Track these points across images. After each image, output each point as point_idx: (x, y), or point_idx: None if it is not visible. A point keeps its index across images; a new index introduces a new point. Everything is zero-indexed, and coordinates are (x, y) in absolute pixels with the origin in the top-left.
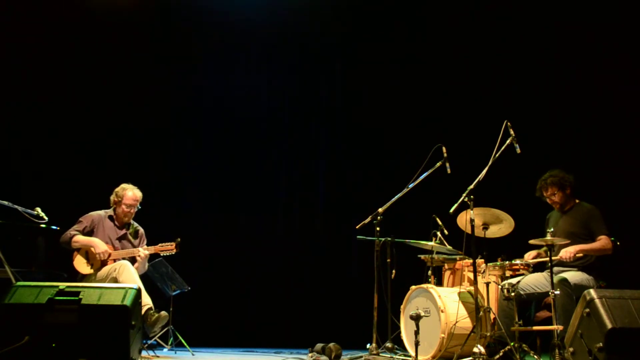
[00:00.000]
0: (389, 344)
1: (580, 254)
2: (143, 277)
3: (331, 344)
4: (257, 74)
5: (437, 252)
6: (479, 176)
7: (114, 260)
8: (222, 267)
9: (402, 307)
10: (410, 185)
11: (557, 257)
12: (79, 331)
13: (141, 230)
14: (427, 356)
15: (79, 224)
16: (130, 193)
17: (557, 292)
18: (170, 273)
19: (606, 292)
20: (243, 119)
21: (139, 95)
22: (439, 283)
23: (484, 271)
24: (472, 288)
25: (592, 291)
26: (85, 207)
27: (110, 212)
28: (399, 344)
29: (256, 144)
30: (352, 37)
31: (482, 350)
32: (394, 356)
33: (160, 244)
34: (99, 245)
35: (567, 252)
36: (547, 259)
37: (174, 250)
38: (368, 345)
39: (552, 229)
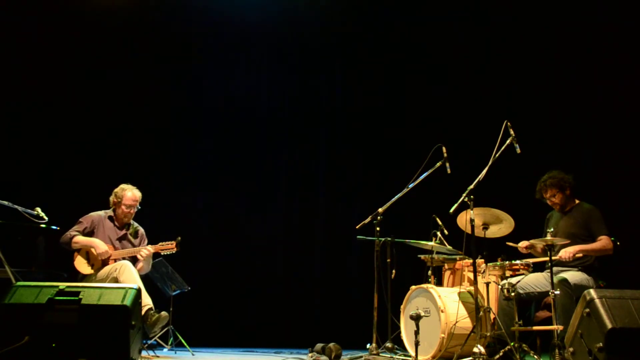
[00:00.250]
0: (389, 344)
1: (580, 254)
2: (143, 277)
3: (331, 344)
4: (257, 74)
5: (437, 252)
6: (479, 176)
7: (115, 260)
8: (222, 267)
9: (402, 307)
10: (410, 185)
11: (557, 257)
12: (79, 331)
13: (141, 230)
14: (427, 356)
15: (79, 224)
16: (129, 193)
17: (557, 292)
18: (170, 273)
19: (606, 292)
20: (243, 119)
21: (139, 95)
22: (439, 283)
23: (484, 271)
24: (472, 288)
25: (592, 291)
26: (85, 207)
27: (110, 212)
28: (399, 344)
29: (256, 144)
30: (352, 37)
31: (482, 350)
32: (394, 356)
33: (160, 243)
34: (99, 245)
35: (566, 252)
36: (546, 258)
37: (174, 249)
38: (368, 345)
39: (552, 229)
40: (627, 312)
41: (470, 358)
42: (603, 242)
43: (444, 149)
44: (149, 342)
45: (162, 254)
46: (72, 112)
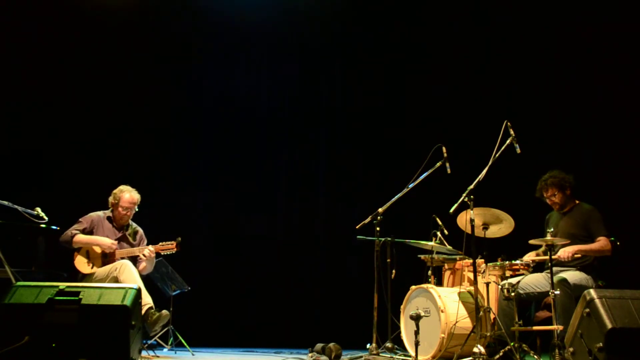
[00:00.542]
0: (389, 344)
1: (579, 254)
2: (143, 277)
3: (331, 344)
4: (257, 74)
5: (437, 252)
6: (479, 176)
7: (115, 260)
8: (222, 267)
9: (402, 307)
10: (410, 185)
11: (556, 257)
12: (79, 331)
13: (140, 230)
14: (427, 356)
15: (79, 224)
16: (127, 196)
17: (557, 292)
18: (170, 273)
19: (606, 292)
20: (243, 119)
21: (139, 95)
22: (439, 283)
23: (484, 271)
24: (472, 288)
25: (592, 291)
26: (85, 207)
27: (108, 213)
28: (399, 344)
29: (256, 144)
30: (352, 37)
31: (482, 350)
32: (394, 356)
33: (160, 243)
34: (103, 240)
35: (565, 252)
36: (546, 258)
37: (175, 249)
38: (368, 345)
39: (552, 229)
40: (627, 312)
41: (470, 358)
42: (602, 242)
43: (444, 149)
44: (149, 342)
45: (162, 254)
46: (72, 112)
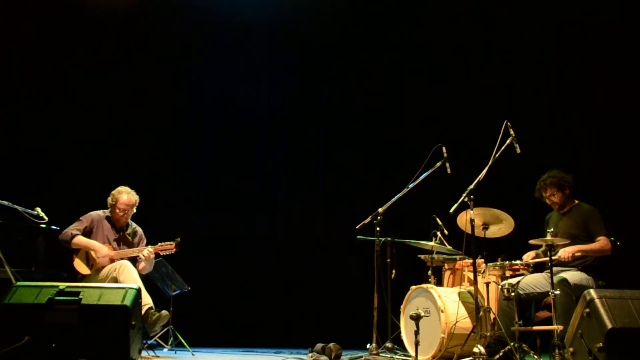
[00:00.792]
0: (389, 344)
1: (579, 254)
2: (143, 277)
3: (331, 344)
4: (257, 74)
5: (437, 252)
6: (479, 176)
7: (114, 261)
8: (222, 267)
9: (402, 307)
10: (410, 185)
11: (556, 257)
12: (79, 331)
13: (139, 230)
14: (427, 356)
15: (79, 222)
16: (124, 197)
17: (557, 292)
18: (170, 273)
19: (606, 292)
20: (243, 119)
21: (139, 95)
22: (439, 283)
23: (484, 271)
24: (472, 288)
25: (592, 291)
26: (85, 207)
27: (108, 212)
28: (399, 344)
29: (256, 144)
30: (352, 37)
31: (482, 350)
32: (394, 356)
33: (160, 244)
34: (100, 250)
35: (565, 252)
36: (547, 259)
37: (174, 250)
38: (368, 345)
39: (552, 230)
40: (627, 312)
41: (470, 358)
42: (602, 242)
43: (444, 149)
44: (149, 342)
45: (161, 254)
46: (72, 112)
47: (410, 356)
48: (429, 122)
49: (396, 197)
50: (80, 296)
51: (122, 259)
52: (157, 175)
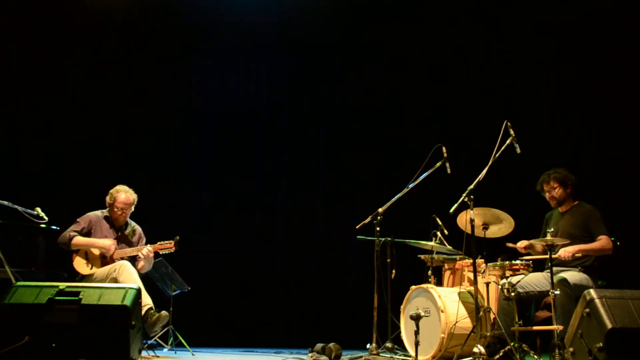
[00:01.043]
0: (389, 344)
1: (579, 254)
2: (143, 277)
3: (331, 344)
4: (257, 74)
5: (437, 252)
6: (479, 176)
7: (114, 260)
8: (222, 267)
9: (402, 307)
10: (410, 185)
11: (556, 256)
12: (79, 331)
13: (139, 229)
14: (427, 356)
15: (76, 224)
16: (122, 196)
17: (557, 292)
18: (170, 273)
19: (606, 292)
20: (243, 119)
21: (139, 95)
22: (439, 283)
23: (484, 271)
24: (472, 288)
25: (592, 291)
26: (84, 207)
27: (106, 212)
28: (399, 344)
29: (256, 144)
30: (352, 37)
31: (482, 350)
32: (394, 356)
33: (159, 243)
34: (101, 243)
35: (565, 252)
36: (545, 257)
37: (173, 248)
38: (368, 345)
39: (552, 229)
40: (627, 312)
41: (470, 358)
42: (602, 242)
43: (444, 149)
44: (149, 342)
45: (161, 253)
46: (72, 112)
47: (410, 356)
48: (429, 122)
49: (396, 197)
50: (80, 296)
51: (122, 258)
52: (157, 175)
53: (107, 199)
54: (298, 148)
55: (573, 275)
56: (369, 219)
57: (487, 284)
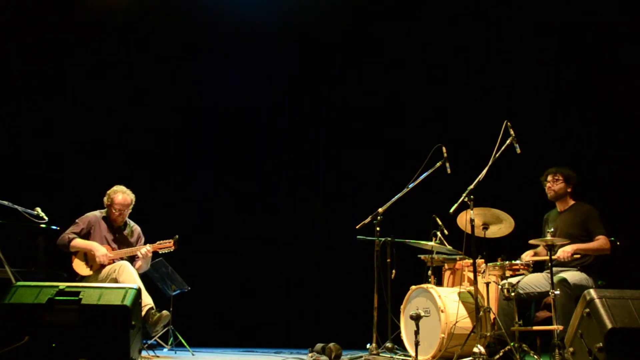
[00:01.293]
0: (389, 344)
1: (578, 254)
2: (143, 277)
3: (331, 344)
4: (257, 74)
5: (437, 252)
6: (479, 176)
7: (114, 261)
8: (222, 267)
9: (402, 307)
10: (410, 185)
11: (555, 257)
12: (79, 331)
13: (137, 229)
14: (427, 356)
15: (75, 225)
16: (119, 197)
17: (557, 292)
18: (170, 273)
19: (606, 292)
20: (243, 119)
21: (139, 95)
22: (439, 283)
23: (484, 271)
24: (472, 288)
25: (592, 291)
26: (84, 207)
27: (104, 213)
28: (399, 344)
29: (256, 144)
30: (352, 37)
31: (482, 350)
32: (394, 356)
33: (158, 242)
34: (98, 249)
35: (564, 252)
36: (546, 257)
37: (172, 247)
38: (368, 345)
39: (552, 229)
40: (627, 312)
41: (470, 358)
42: (601, 241)
43: (444, 149)
44: (149, 342)
45: (160, 252)
46: (72, 112)
47: (410, 356)
48: (429, 122)
49: (396, 197)
50: (80, 296)
51: (121, 258)
52: (156, 175)
53: (105, 200)
54: (298, 148)
55: (573, 275)
56: (369, 219)
57: (487, 284)
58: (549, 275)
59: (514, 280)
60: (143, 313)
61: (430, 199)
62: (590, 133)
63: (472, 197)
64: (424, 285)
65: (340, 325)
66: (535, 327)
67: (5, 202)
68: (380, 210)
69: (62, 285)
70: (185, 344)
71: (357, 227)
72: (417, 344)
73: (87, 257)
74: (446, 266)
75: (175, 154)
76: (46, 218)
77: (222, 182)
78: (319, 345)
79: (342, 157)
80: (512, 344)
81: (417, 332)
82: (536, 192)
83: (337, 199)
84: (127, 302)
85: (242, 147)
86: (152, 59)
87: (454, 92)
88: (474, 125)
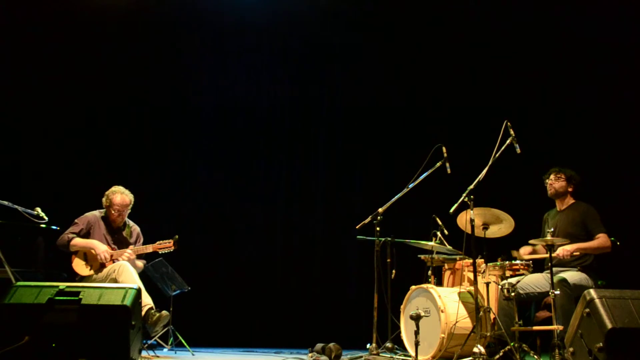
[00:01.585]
0: (389, 344)
1: (578, 253)
2: (143, 277)
3: (331, 344)
4: (257, 74)
5: (437, 252)
6: (479, 176)
7: (113, 261)
8: (222, 267)
9: (402, 307)
10: (410, 185)
11: (555, 255)
12: (79, 331)
13: (137, 229)
14: (427, 356)
15: (74, 225)
16: (118, 198)
17: (557, 292)
18: (170, 273)
19: (606, 292)
20: (243, 120)
21: (139, 95)
22: (439, 283)
23: (484, 271)
24: (472, 288)
25: (592, 291)
26: (84, 207)
27: (104, 213)
28: (399, 344)
29: (256, 144)
30: (352, 37)
31: (482, 350)
32: (394, 356)
33: (158, 242)
34: (98, 246)
35: (564, 251)
36: (545, 256)
37: (172, 248)
38: (368, 345)
39: (552, 229)
40: (627, 312)
41: (470, 358)
42: (601, 240)
43: (444, 149)
44: (149, 342)
45: (160, 252)
46: (72, 112)
47: (410, 356)
48: (429, 122)
49: (396, 197)
50: (80, 296)
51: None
52: (156, 175)
53: (103, 200)
54: (298, 148)
55: (573, 276)
56: (369, 219)
57: (487, 284)
58: (549, 275)
59: (514, 280)
60: (143, 313)
61: (430, 199)
62: (591, 133)
63: (472, 197)
64: (424, 285)
65: (340, 325)
66: (535, 327)
67: (5, 202)
68: (380, 210)
69: (62, 285)
70: (185, 344)
71: (357, 227)
72: (417, 344)
73: (87, 257)
74: (446, 266)
75: (175, 154)
76: (46, 218)
77: (222, 182)
78: (319, 345)
79: (342, 157)
80: (512, 344)
81: (417, 332)
82: (536, 192)
83: (337, 198)
84: (127, 302)
85: (242, 147)
86: (152, 58)
87: (454, 92)
88: (474, 125)
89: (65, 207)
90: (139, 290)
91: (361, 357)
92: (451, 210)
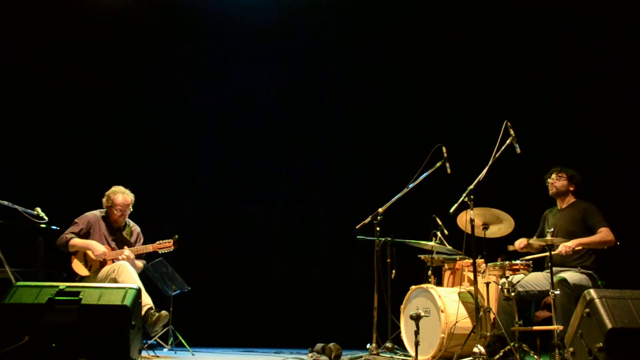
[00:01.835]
0: (389, 344)
1: (579, 247)
2: (143, 277)
3: (331, 344)
4: (257, 74)
5: (437, 252)
6: (479, 176)
7: (113, 261)
8: (222, 267)
9: (402, 307)
10: (410, 185)
11: (557, 252)
12: (79, 331)
13: (137, 229)
14: (427, 356)
15: (74, 225)
16: (120, 198)
17: (557, 292)
18: (170, 273)
19: (606, 292)
20: (243, 120)
21: (139, 95)
22: (439, 283)
23: (484, 271)
24: (472, 288)
25: (592, 291)
26: (84, 207)
27: (104, 213)
28: (399, 344)
29: (256, 144)
30: (352, 37)
31: (482, 350)
32: (394, 356)
33: (158, 242)
34: (96, 247)
35: (565, 246)
36: (545, 254)
37: (172, 247)
38: (368, 345)
39: (551, 229)
40: (627, 312)
41: (470, 358)
42: (603, 234)
43: (444, 149)
44: (149, 342)
45: (160, 252)
46: (72, 112)
47: (410, 356)
48: (429, 122)
49: (396, 197)
50: (80, 296)
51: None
52: (156, 175)
53: (104, 201)
54: (298, 148)
55: (573, 276)
56: (369, 219)
57: (487, 284)
58: (549, 275)
59: (514, 279)
60: (142, 313)
61: (430, 199)
62: (591, 133)
63: (472, 197)
64: (424, 285)
65: (340, 325)
66: (535, 327)
67: (5, 202)
68: (380, 210)
69: (62, 285)
70: (185, 344)
71: (357, 227)
72: (417, 344)
73: (87, 258)
74: (446, 266)
75: (175, 154)
76: (46, 218)
77: (222, 182)
78: (319, 345)
79: (342, 157)
80: (512, 343)
81: (417, 332)
82: (536, 192)
83: (337, 198)
84: (127, 302)
85: (242, 147)
86: (152, 58)
87: (454, 92)
88: (474, 125)
89: (65, 207)
90: (139, 290)
91: (361, 357)
92: (451, 210)
